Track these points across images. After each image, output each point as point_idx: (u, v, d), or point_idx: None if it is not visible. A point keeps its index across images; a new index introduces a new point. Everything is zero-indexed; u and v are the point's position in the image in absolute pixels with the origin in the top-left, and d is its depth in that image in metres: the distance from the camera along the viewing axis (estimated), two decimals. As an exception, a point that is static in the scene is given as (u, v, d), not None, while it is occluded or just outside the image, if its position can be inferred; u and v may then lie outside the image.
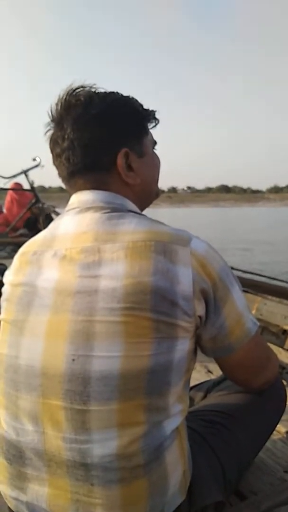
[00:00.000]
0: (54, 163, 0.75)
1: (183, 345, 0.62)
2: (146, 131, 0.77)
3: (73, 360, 0.58)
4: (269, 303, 2.06)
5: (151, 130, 0.79)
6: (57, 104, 0.72)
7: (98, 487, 0.57)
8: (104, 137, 0.70)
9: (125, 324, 0.57)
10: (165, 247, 0.61)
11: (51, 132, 0.74)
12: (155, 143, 0.81)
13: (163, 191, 0.96)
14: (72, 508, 0.59)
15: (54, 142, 0.73)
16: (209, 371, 1.64)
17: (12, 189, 5.10)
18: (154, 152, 0.81)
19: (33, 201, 4.77)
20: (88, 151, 0.70)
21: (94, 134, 0.70)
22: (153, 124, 0.79)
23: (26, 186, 4.87)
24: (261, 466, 1.02)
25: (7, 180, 4.66)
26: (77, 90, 0.72)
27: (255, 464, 1.01)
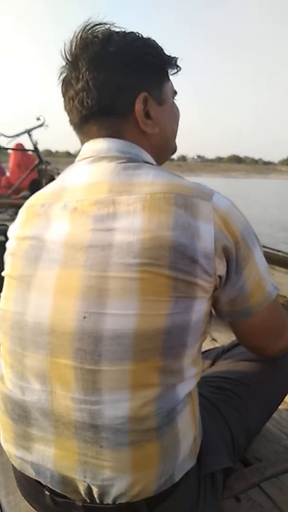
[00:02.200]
0: (65, 108, 0.69)
1: (201, 306, 0.58)
2: (167, 77, 0.71)
3: (84, 317, 0.54)
4: (277, 274, 2.03)
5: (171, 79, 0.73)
6: (71, 42, 0.65)
7: (107, 450, 0.55)
8: (122, 78, 0.64)
9: (141, 281, 0.53)
10: (186, 200, 0.56)
11: (64, 75, 0.67)
12: (175, 92, 0.75)
13: (172, 160, 0.90)
14: (79, 469, 0.57)
15: (67, 84, 0.66)
16: (214, 339, 1.63)
17: (14, 149, 4.97)
18: (174, 102, 0.74)
19: (36, 162, 4.66)
20: (104, 92, 0.64)
21: (111, 73, 0.63)
22: (175, 71, 0.73)
23: (30, 146, 4.74)
24: (266, 434, 1.01)
25: (10, 139, 4.54)
26: (95, 27, 0.65)
27: (260, 432, 1.00)
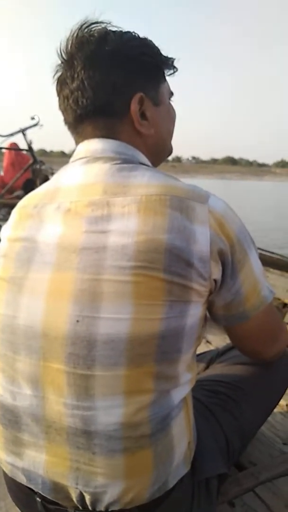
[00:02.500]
0: (60, 107, 0.68)
1: (196, 310, 0.57)
2: (163, 78, 0.70)
3: (77, 321, 0.53)
4: (271, 276, 2.03)
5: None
6: (67, 41, 0.64)
7: (100, 456, 0.54)
8: (118, 78, 0.63)
9: (136, 284, 0.52)
10: (181, 202, 0.55)
11: (59, 73, 0.66)
12: (171, 93, 0.74)
13: (167, 161, 0.89)
14: (71, 476, 0.56)
15: (62, 83, 0.65)
16: (208, 342, 1.62)
17: (8, 148, 4.94)
18: (170, 103, 0.74)
19: (31, 161, 4.63)
20: (99, 92, 0.63)
21: (107, 73, 0.62)
22: (171, 71, 0.72)
23: (24, 146, 4.71)
24: (261, 438, 1.00)
25: (4, 138, 4.51)
26: (91, 26, 0.64)
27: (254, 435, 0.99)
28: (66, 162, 0.69)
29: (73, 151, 0.69)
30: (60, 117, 0.71)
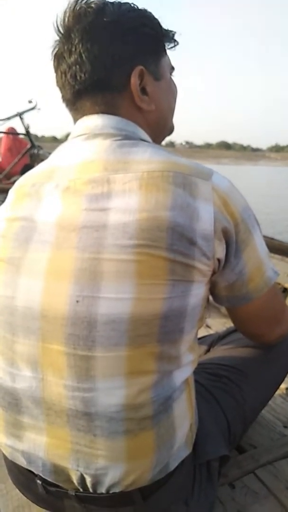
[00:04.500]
0: (57, 83, 0.65)
1: (199, 290, 0.55)
2: (164, 51, 0.68)
3: (77, 301, 0.51)
4: (271, 261, 2.01)
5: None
6: (64, 14, 0.61)
7: (101, 438, 0.53)
8: (117, 50, 0.60)
9: (137, 263, 0.51)
10: (184, 179, 0.53)
11: (56, 49, 0.63)
12: (172, 68, 0.71)
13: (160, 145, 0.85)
14: (72, 458, 0.55)
15: (59, 58, 0.63)
16: (208, 326, 1.62)
17: (5, 132, 4.87)
18: (171, 78, 0.71)
19: (28, 146, 4.57)
20: (98, 65, 0.60)
21: (106, 45, 0.60)
22: (172, 45, 0.69)
23: (21, 130, 4.65)
24: (261, 421, 1.00)
25: (1, 122, 4.44)
26: None
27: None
28: (57, 147, 0.67)
29: (66, 136, 0.66)
30: (52, 101, 0.68)
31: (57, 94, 0.69)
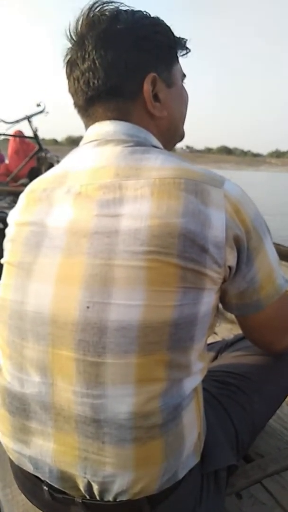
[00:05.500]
0: (70, 90, 0.66)
1: (209, 298, 0.55)
2: (176, 58, 0.68)
3: (88, 307, 0.51)
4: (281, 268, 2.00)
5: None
6: (77, 21, 0.62)
7: (109, 446, 0.53)
8: (130, 57, 0.61)
9: (148, 269, 0.50)
10: (196, 186, 0.53)
11: (68, 56, 0.63)
12: (184, 75, 0.72)
13: None
14: (79, 465, 0.55)
15: (72, 64, 0.63)
16: (214, 333, 1.61)
17: (13, 135, 4.90)
18: (183, 85, 0.71)
19: (36, 149, 4.59)
20: (111, 72, 0.60)
21: (119, 52, 0.60)
22: (184, 52, 0.69)
23: (29, 133, 4.67)
24: (268, 430, 0.99)
25: (9, 125, 4.47)
26: (103, 6, 0.62)
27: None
28: (59, 150, 0.67)
29: (66, 139, 0.66)
30: (56, 104, 0.68)
31: (59, 97, 0.69)
